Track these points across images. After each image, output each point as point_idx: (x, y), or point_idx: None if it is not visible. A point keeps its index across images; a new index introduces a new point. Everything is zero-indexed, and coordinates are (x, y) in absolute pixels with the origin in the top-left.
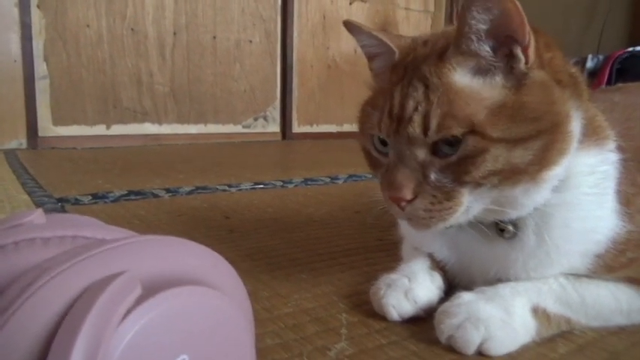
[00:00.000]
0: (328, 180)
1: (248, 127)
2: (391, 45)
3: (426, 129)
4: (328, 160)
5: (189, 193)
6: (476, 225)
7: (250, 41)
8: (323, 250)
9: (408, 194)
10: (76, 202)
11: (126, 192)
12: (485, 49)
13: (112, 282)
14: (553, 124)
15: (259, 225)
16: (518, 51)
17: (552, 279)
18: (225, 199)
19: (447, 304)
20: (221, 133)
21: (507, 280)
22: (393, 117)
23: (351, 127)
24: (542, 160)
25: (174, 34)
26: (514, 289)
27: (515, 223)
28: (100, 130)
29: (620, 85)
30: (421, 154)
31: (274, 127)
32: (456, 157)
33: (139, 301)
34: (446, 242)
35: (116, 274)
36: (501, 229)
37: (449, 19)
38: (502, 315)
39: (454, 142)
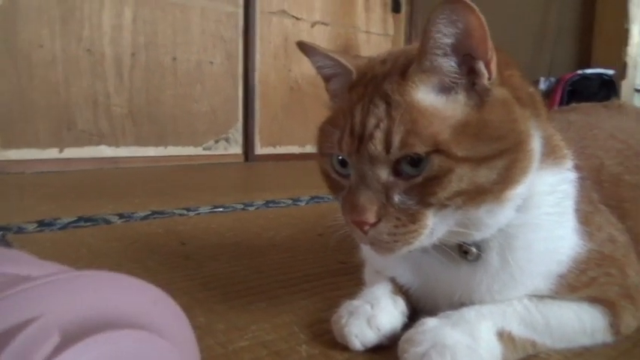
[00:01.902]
0: (290, 202)
1: (209, 149)
2: (347, 65)
3: (388, 146)
4: (291, 182)
5: (144, 218)
6: (439, 248)
7: (211, 62)
8: (284, 276)
9: (371, 217)
10: (19, 230)
11: (75, 218)
12: (450, 64)
13: (22, 330)
14: (516, 143)
15: (217, 251)
16: (481, 66)
17: (516, 301)
18: (182, 224)
19: (410, 331)
20: (181, 155)
21: (472, 303)
22: (354, 135)
23: (314, 148)
24: (506, 179)
25: (133, 54)
26: (479, 313)
27: (479, 245)
28: (52, 153)
29: (574, 105)
30: (383, 174)
31: (236, 149)
32: (421, 177)
33: (57, 351)
34: (409, 266)
35: (28, 320)
36: (465, 252)
37: (408, 42)
38: (468, 341)
39: (417, 162)
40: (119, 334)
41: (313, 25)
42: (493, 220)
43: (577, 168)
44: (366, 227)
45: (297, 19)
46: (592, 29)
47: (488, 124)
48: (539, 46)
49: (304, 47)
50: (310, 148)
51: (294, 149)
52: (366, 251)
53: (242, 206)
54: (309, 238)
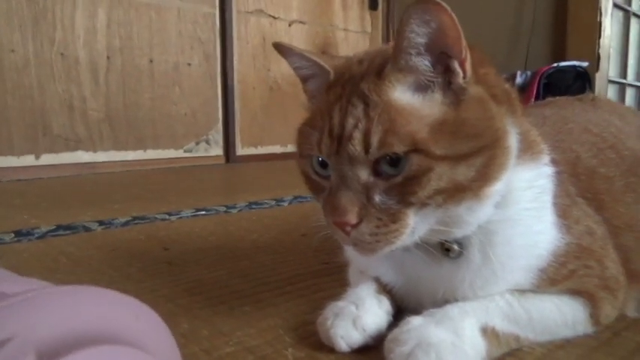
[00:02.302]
0: (273, 203)
1: (190, 151)
2: (324, 65)
3: (367, 146)
4: (273, 182)
5: (125, 224)
6: (421, 246)
7: (189, 64)
8: (268, 278)
9: (352, 218)
10: None
11: (54, 227)
12: (425, 63)
13: None
14: (493, 140)
15: (200, 255)
16: (456, 65)
17: (498, 296)
18: (164, 229)
19: (395, 330)
20: (161, 158)
21: (455, 300)
22: (333, 136)
23: (295, 148)
24: (484, 176)
25: (108, 57)
26: (462, 310)
27: (460, 242)
28: (28, 160)
29: (549, 99)
30: (363, 174)
31: (217, 151)
32: (400, 177)
33: None
34: (392, 265)
35: (1, 341)
36: (447, 249)
37: (385, 40)
38: (452, 338)
39: (396, 162)
40: (98, 350)
41: (291, 24)
42: (473, 217)
43: (554, 162)
44: (348, 228)
45: (274, 18)
46: (566, 22)
47: (466, 122)
48: (515, 40)
49: (281, 48)
50: (292, 148)
51: (276, 149)
52: (350, 252)
53: (224, 209)
54: (292, 239)
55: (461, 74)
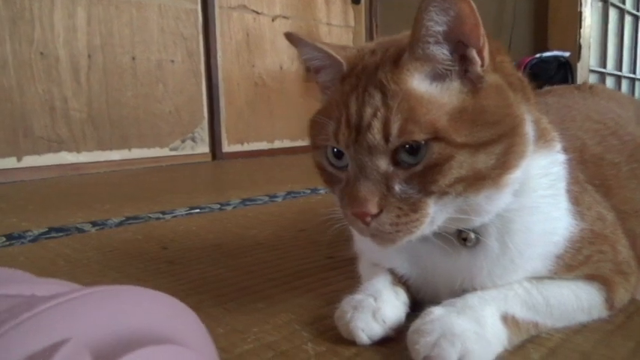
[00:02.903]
0: (267, 199)
1: (176, 149)
2: (336, 56)
3: (386, 135)
4: (264, 178)
5: (119, 224)
6: (438, 236)
7: (172, 61)
8: (274, 274)
9: (373, 208)
10: None
11: (46, 229)
12: (442, 52)
13: (53, 355)
14: (512, 127)
15: (201, 253)
16: (474, 54)
17: (517, 284)
18: (160, 228)
19: (418, 321)
20: (147, 157)
21: (473, 289)
22: (351, 126)
23: (282, 143)
24: (504, 164)
25: (89, 56)
26: (482, 299)
27: (477, 231)
28: (9, 162)
29: (548, 88)
30: (383, 164)
31: (203, 148)
32: (421, 166)
33: None
34: (407, 256)
35: (57, 343)
36: (464, 239)
37: (368, 34)
38: (475, 327)
39: (415, 151)
40: (152, 350)
41: (274, 19)
42: (492, 205)
43: (565, 150)
44: (368, 219)
45: (257, 13)
46: (547, 13)
47: (485, 110)
48: (497, 31)
49: (293, 38)
50: (279, 144)
51: (263, 145)
52: (362, 244)
53: (219, 206)
54: (291, 234)
55: (479, 62)
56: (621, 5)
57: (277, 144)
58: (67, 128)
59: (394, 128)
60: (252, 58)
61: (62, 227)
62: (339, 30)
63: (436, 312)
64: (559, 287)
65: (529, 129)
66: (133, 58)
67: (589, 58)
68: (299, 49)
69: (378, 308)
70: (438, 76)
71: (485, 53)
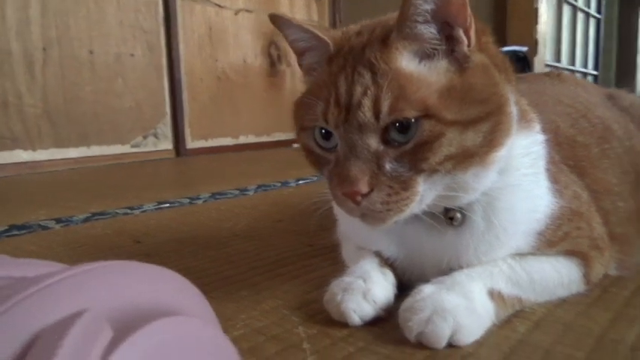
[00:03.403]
0: (238, 192)
1: (137, 146)
2: (324, 37)
3: (377, 113)
4: (231, 173)
5: (86, 220)
6: (425, 215)
7: (132, 55)
8: (256, 263)
9: (364, 187)
10: None
11: (6, 227)
12: (430, 30)
13: (72, 325)
14: (498, 106)
15: (178, 246)
16: (461, 33)
17: (501, 261)
18: (129, 223)
19: (409, 300)
20: (107, 154)
21: (459, 267)
22: (340, 106)
23: (247, 138)
24: (491, 142)
25: (44, 49)
26: (469, 276)
27: (462, 210)
28: None
29: (519, 75)
30: (373, 142)
31: (166, 144)
32: (412, 143)
33: (113, 345)
34: (393, 238)
35: (75, 313)
36: (451, 217)
37: (332, 27)
38: (465, 302)
39: (405, 129)
40: (169, 321)
41: (237, 12)
42: (479, 183)
43: (544, 130)
44: (359, 198)
45: (220, 7)
46: (505, 9)
47: (473, 88)
48: None
49: (278, 20)
50: (244, 139)
51: (227, 141)
52: (348, 228)
53: (188, 200)
54: (268, 225)
55: (465, 42)
56: (574, 2)
57: (242, 139)
58: (22, 125)
59: (384, 106)
60: (215, 52)
61: (24, 224)
62: None
63: (426, 290)
64: (541, 263)
65: (513, 108)
66: (91, 52)
67: (545, 53)
68: (285, 30)
69: (368, 289)
70: (425, 55)
71: (472, 33)
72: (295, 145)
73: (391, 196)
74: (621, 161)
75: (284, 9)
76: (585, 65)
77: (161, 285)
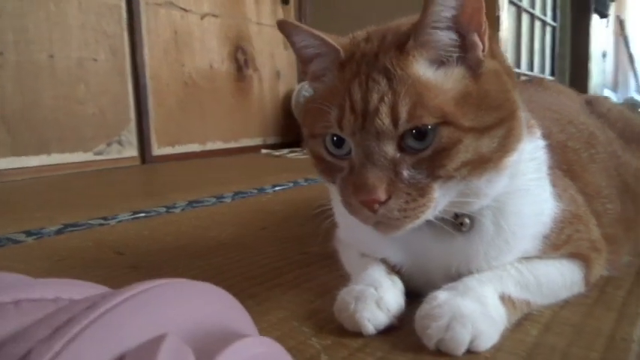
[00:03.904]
0: (215, 200)
1: (101, 153)
2: (333, 43)
3: (395, 120)
4: (203, 180)
5: (59, 232)
6: (433, 222)
7: (95, 59)
8: (251, 273)
9: (382, 195)
10: None
11: None
12: (449, 37)
13: (159, 349)
14: (511, 112)
15: (164, 256)
16: (476, 38)
17: (509, 266)
18: (107, 234)
19: (424, 306)
20: (69, 162)
21: (469, 272)
22: (356, 112)
23: (215, 144)
24: (504, 147)
25: (1, 53)
26: (480, 281)
27: (472, 215)
28: None
29: None
30: (390, 150)
31: (131, 152)
32: (430, 150)
33: None
34: (400, 245)
35: (158, 337)
36: (460, 223)
37: None
38: (481, 308)
39: (422, 136)
40: (248, 342)
41: (203, 17)
42: (492, 188)
43: (544, 136)
44: (376, 206)
45: (185, 10)
46: None
47: (487, 94)
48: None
49: (287, 26)
50: (212, 145)
51: (195, 147)
52: (352, 235)
53: (165, 209)
54: (254, 233)
55: (481, 47)
56: (532, 10)
57: (210, 146)
58: None
59: (402, 112)
60: (182, 56)
61: None
62: (269, 29)
63: (441, 296)
64: (546, 266)
65: (522, 113)
66: (51, 56)
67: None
68: (294, 37)
69: (380, 297)
70: (441, 62)
71: (486, 38)
72: (264, 151)
73: (409, 203)
74: (607, 165)
75: (250, 14)
76: (542, 71)
77: (221, 304)
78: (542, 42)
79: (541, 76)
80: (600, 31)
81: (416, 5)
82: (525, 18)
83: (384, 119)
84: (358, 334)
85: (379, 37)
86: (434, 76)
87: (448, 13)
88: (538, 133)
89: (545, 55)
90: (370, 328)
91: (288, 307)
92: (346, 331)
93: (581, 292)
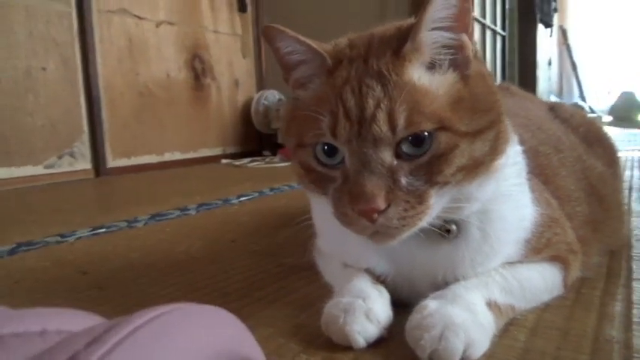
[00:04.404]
0: (179, 212)
1: (52, 166)
2: (320, 50)
3: (393, 126)
4: (164, 192)
5: (12, 252)
6: (422, 230)
7: (44, 69)
8: (227, 288)
9: (382, 203)
10: None
11: None
12: (446, 37)
13: None
14: (499, 114)
15: (132, 273)
16: (466, 38)
17: (494, 271)
18: (67, 252)
19: (415, 317)
20: (17, 177)
21: (455, 280)
22: (351, 119)
23: (173, 155)
24: (495, 150)
25: None
26: (467, 288)
27: (458, 222)
28: None
29: None
30: (388, 157)
31: (85, 164)
32: (427, 156)
33: None
34: (384, 255)
35: None
36: (447, 230)
37: (256, 43)
38: (471, 316)
39: (419, 142)
40: None
41: (159, 24)
42: (482, 192)
43: (522, 141)
44: (375, 215)
45: (140, 18)
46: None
47: (478, 98)
48: (382, 17)
49: (272, 31)
50: (169, 156)
51: (152, 159)
52: (335, 246)
53: (126, 224)
54: (224, 246)
55: (470, 47)
56: (483, 20)
57: (168, 157)
58: None
59: (400, 119)
60: (137, 65)
61: None
62: (226, 38)
63: (431, 305)
64: (529, 270)
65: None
66: None
67: None
68: (279, 43)
69: (369, 309)
70: (435, 67)
71: (473, 39)
72: (224, 161)
73: (407, 210)
74: (574, 169)
75: (207, 22)
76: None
77: (231, 329)
78: (493, 51)
79: None
80: (545, 40)
81: (372, 17)
82: (477, 28)
83: (382, 126)
84: (348, 348)
85: (364, 43)
86: (429, 81)
87: (444, 14)
88: (516, 138)
89: (496, 64)
90: (361, 341)
91: (271, 323)
92: (335, 346)
93: (560, 294)
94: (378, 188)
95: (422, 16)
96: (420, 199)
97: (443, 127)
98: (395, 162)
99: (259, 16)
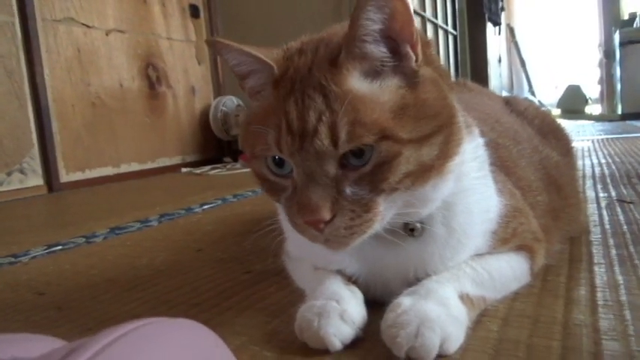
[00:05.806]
0: (139, 225)
1: (0, 184)
2: (266, 60)
3: (335, 140)
4: (123, 205)
5: None
6: (386, 230)
7: None
8: (196, 299)
9: (326, 214)
10: None
11: None
12: (380, 49)
13: None
14: (449, 117)
15: (93, 292)
16: (408, 49)
17: (464, 264)
18: (21, 273)
19: (389, 315)
20: None
21: (427, 276)
22: (294, 133)
23: (130, 167)
24: (446, 153)
25: None
26: (439, 282)
27: (422, 220)
28: None
29: None
30: (332, 168)
31: (36, 180)
32: (369, 166)
33: None
34: (355, 255)
35: None
36: (411, 229)
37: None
38: (445, 310)
39: (362, 152)
40: None
41: (108, 32)
42: (438, 193)
43: (482, 134)
44: (322, 225)
45: (88, 27)
46: None
47: (425, 104)
48: (337, 18)
49: (217, 45)
50: (126, 167)
51: (108, 171)
52: (304, 249)
53: (84, 240)
54: (189, 256)
55: (413, 58)
56: (435, 20)
57: (124, 168)
58: None
59: (342, 133)
60: (87, 76)
61: None
62: (180, 44)
63: (405, 302)
64: (497, 261)
65: (460, 116)
66: None
67: None
68: (225, 55)
69: (344, 310)
70: (376, 74)
71: (418, 49)
72: (184, 170)
73: (354, 219)
74: (532, 160)
75: (159, 29)
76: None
77: (204, 341)
78: (446, 50)
79: None
80: (494, 39)
81: (328, 17)
82: (430, 27)
83: (324, 140)
84: (324, 351)
85: (312, 48)
86: (369, 90)
87: (377, 26)
88: (476, 131)
89: (449, 63)
90: (337, 343)
91: (244, 331)
92: (311, 350)
93: (527, 282)
94: (322, 199)
95: (350, 29)
96: (366, 207)
97: (384, 137)
98: (339, 172)
99: (213, 21)
